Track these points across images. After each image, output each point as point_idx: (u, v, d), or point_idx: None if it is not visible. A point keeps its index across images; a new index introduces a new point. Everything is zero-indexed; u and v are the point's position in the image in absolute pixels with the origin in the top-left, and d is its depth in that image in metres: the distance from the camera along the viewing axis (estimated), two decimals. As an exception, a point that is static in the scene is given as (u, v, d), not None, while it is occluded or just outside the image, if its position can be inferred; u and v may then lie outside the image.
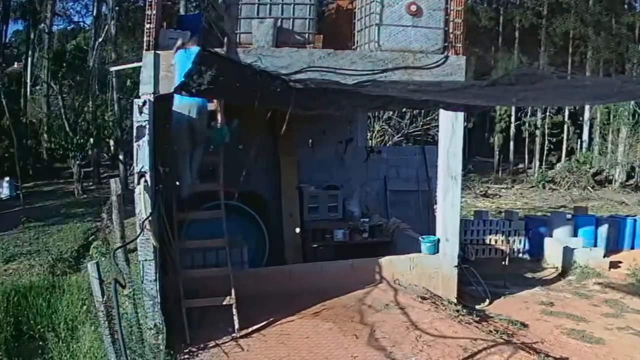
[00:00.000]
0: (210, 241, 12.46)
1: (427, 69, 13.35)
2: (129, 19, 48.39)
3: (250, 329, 11.65)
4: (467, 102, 11.62)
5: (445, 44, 13.53)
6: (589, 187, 43.35)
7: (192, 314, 11.75)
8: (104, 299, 8.99)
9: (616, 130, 49.58)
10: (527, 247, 19.91)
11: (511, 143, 55.80)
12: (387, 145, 35.66)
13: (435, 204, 15.23)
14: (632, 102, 42.18)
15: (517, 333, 12.42)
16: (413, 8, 13.22)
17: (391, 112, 35.84)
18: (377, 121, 36.90)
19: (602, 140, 50.52)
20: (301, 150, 17.48)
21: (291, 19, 13.25)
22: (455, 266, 14.12)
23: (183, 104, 11.86)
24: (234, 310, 11.62)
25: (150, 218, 10.63)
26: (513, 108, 53.34)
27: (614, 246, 19.59)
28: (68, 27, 55.26)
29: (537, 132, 55.60)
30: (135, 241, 11.02)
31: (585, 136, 54.16)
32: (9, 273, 18.09)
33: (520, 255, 19.75)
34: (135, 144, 11.00)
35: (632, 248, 19.71)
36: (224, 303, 11.70)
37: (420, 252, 14.37)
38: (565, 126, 55.02)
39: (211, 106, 12.35)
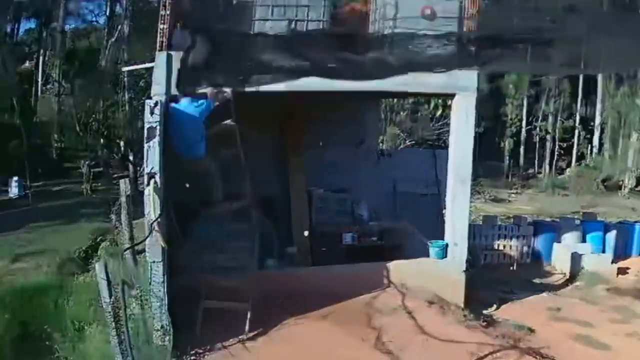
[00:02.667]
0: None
1: (439, 72, 13.34)
2: (142, 18, 48.42)
3: (257, 331, 11.67)
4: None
5: (459, 47, 13.53)
6: (598, 193, 43.25)
7: (200, 315, 11.76)
8: (112, 299, 9.01)
9: (627, 135, 49.40)
10: (535, 252, 19.87)
11: (521, 148, 55.65)
12: (399, 148, 35.67)
13: (445, 208, 15.21)
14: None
15: (524, 338, 12.42)
16: (427, 12, 13.21)
17: (403, 115, 35.82)
18: (390, 125, 36.91)
19: (612, 146, 50.38)
20: (310, 153, 17.42)
21: (305, 21, 13.25)
22: (464, 271, 14.10)
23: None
24: (248, 314, 11.65)
25: (159, 219, 10.64)
26: (524, 112, 53.48)
27: (622, 252, 19.53)
28: (81, 27, 55.30)
29: (548, 137, 55.44)
30: (143, 242, 11.04)
31: (595, 141, 53.91)
32: (17, 273, 18.09)
33: (529, 260, 19.71)
34: (145, 145, 11.01)
35: (640, 254, 19.66)
36: (241, 309, 11.76)
37: (428, 256, 14.37)
38: (576, 131, 54.86)
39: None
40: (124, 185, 12.96)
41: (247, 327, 11.56)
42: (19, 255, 19.94)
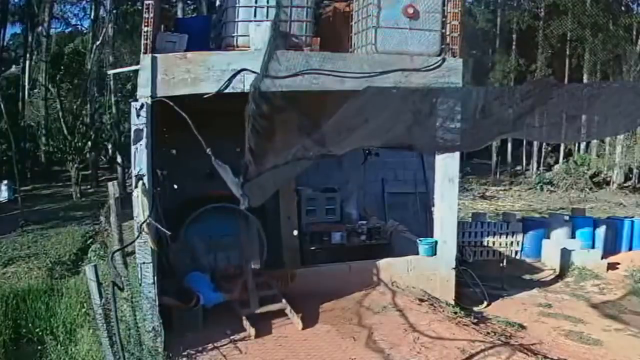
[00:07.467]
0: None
1: (425, 71, 13.32)
2: (126, 21, 48.37)
3: (248, 332, 11.66)
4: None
5: (442, 47, 13.51)
6: (586, 189, 43.26)
7: (191, 316, 11.76)
8: (102, 301, 9.00)
9: (614, 131, 49.16)
10: (525, 249, 19.90)
11: (509, 145, 55.58)
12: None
13: (433, 206, 15.23)
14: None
15: (515, 335, 12.46)
16: (410, 10, 13.19)
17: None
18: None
19: (600, 142, 50.34)
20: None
21: (288, 22, 13.20)
22: (453, 268, 14.12)
23: None
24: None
25: (148, 221, 10.64)
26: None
27: (611, 248, 19.57)
28: (66, 30, 55.18)
29: (535, 134, 55.25)
30: (133, 244, 11.03)
31: (583, 137, 53.75)
32: (8, 276, 18.03)
33: (518, 257, 19.74)
34: (133, 147, 10.99)
35: (630, 249, 19.68)
36: (248, 313, 11.86)
37: (418, 254, 14.38)
38: (564, 127, 54.73)
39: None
40: (113, 188, 12.92)
41: (249, 330, 11.61)
42: (11, 259, 19.91)
